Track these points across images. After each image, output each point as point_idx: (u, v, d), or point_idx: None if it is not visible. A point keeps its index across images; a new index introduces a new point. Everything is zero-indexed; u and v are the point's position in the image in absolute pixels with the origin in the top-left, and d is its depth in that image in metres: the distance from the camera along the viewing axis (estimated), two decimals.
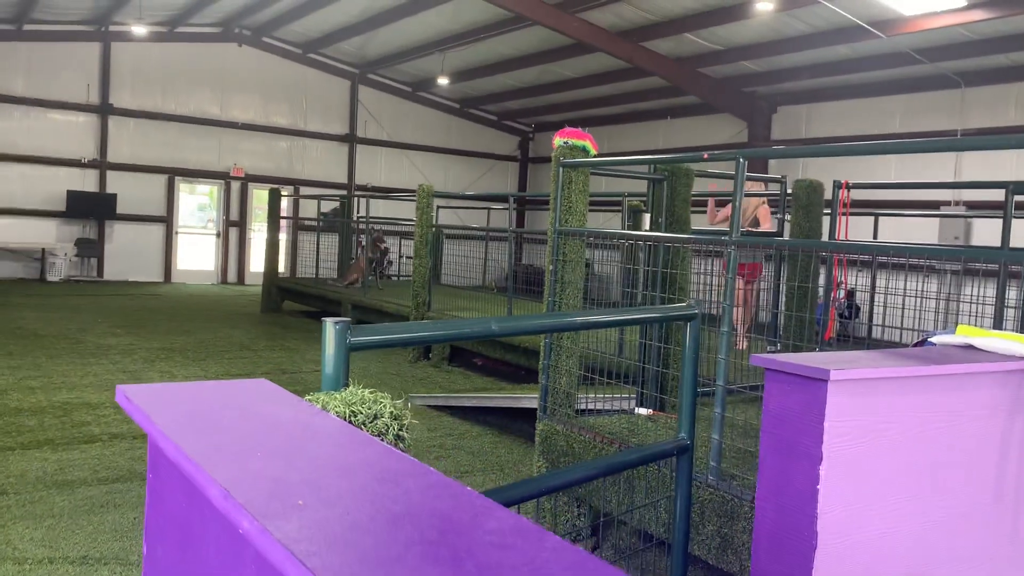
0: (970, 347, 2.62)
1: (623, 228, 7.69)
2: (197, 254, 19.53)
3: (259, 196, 19.55)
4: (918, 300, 6.01)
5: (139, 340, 10.50)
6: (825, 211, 6.16)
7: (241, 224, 19.71)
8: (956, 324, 5.37)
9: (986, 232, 13.09)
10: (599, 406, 5.19)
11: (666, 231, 5.18)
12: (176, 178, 18.90)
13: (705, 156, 3.83)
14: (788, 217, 6.10)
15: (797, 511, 2.13)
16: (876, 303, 6.98)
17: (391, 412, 1.39)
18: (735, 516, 3.69)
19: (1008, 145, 3.13)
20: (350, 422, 1.36)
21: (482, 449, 6.43)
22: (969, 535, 2.43)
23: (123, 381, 8.01)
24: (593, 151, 4.68)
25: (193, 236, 19.56)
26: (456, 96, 21.75)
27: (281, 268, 15.27)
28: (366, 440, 1.16)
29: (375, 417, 1.37)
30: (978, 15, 11.14)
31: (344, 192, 19.66)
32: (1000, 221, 5.17)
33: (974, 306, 5.89)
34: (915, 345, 2.77)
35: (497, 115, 22.94)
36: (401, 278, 16.64)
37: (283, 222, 15.37)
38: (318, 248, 14.94)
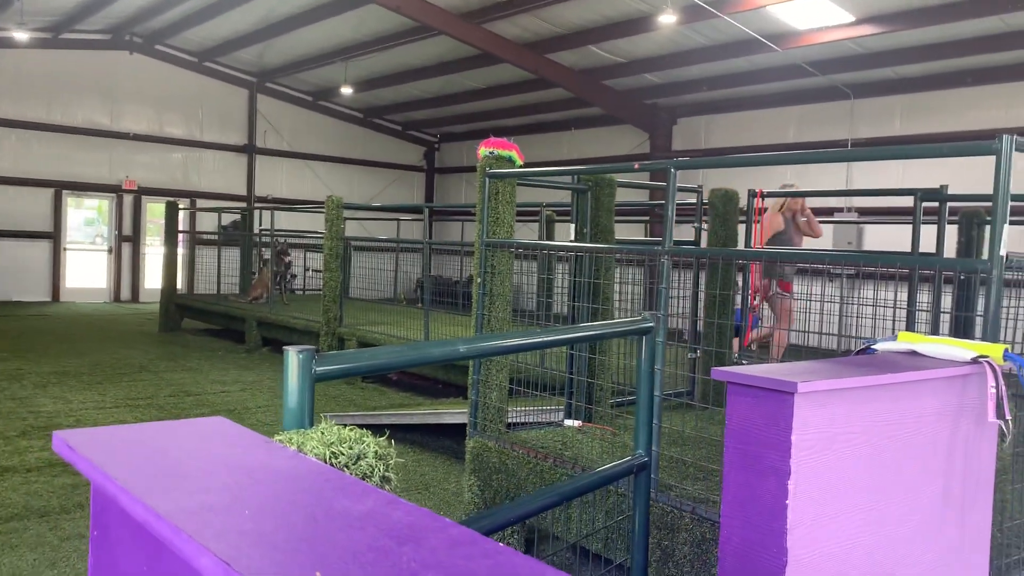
0: (913, 353, 2.65)
1: (540, 239, 7.66)
2: (87, 271, 18.53)
3: (153, 210, 18.73)
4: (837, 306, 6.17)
5: (28, 364, 9.84)
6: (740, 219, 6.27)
7: (135, 239, 18.83)
8: (885, 329, 5.52)
9: (875, 237, 13.71)
10: (528, 419, 5.11)
11: (590, 241, 5.15)
12: (63, 192, 17.90)
13: (636, 166, 3.81)
14: (706, 226, 6.18)
15: (765, 526, 2.09)
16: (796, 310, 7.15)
17: (375, 451, 1.26)
18: (675, 528, 3.66)
19: (918, 155, 3.22)
20: (331, 464, 1.22)
21: (405, 468, 6.25)
22: (924, 538, 2.46)
23: (12, 409, 7.47)
24: (519, 161, 4.61)
25: (82, 252, 18.55)
26: (360, 106, 21.42)
27: (179, 284, 14.63)
28: (362, 488, 1.04)
29: (358, 458, 1.24)
30: (866, 30, 11.68)
31: (244, 204, 19.06)
32: (886, 227, 5.35)
33: (892, 311, 6.07)
34: (858, 352, 2.79)
35: (402, 125, 22.71)
36: (307, 292, 16.23)
37: (180, 236, 14.76)
38: (219, 263, 14.40)
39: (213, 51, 18.67)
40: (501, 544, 0.86)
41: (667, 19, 11.89)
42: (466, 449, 4.74)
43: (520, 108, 18.90)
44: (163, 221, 14.49)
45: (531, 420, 5.11)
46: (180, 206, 14.67)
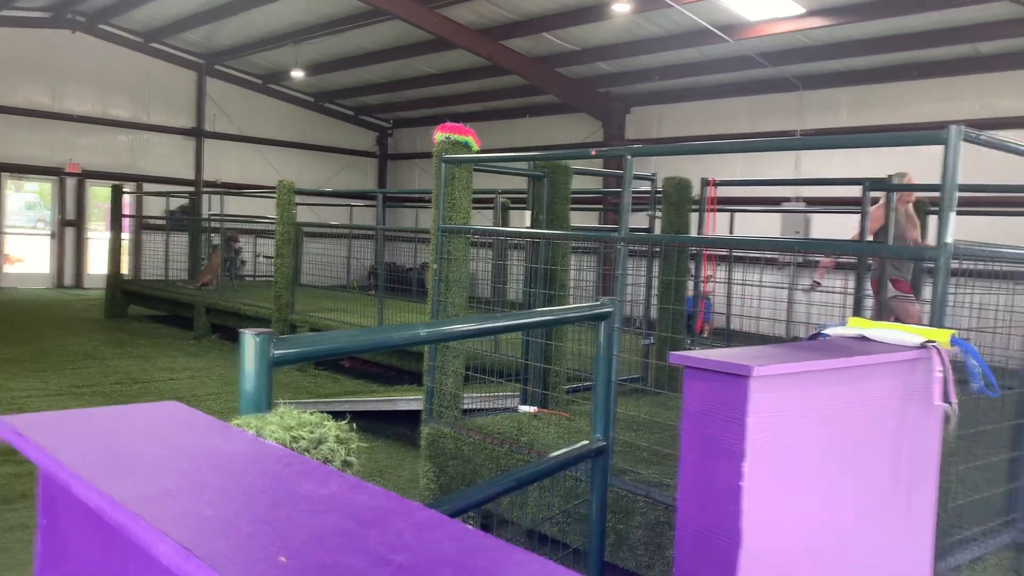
0: (863, 338, 2.70)
1: (495, 225, 7.65)
2: (29, 256, 18.00)
3: (98, 193, 18.26)
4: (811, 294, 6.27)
5: None
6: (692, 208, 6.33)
7: (78, 223, 18.33)
8: (833, 315, 5.62)
9: (822, 226, 13.98)
10: (483, 405, 5.12)
11: (547, 228, 5.15)
12: (3, 174, 17.34)
13: (593, 152, 3.82)
14: (659, 214, 6.23)
15: (721, 509, 2.11)
16: (746, 296, 7.25)
17: (336, 435, 1.24)
18: (630, 512, 3.69)
19: (868, 144, 3.28)
20: (292, 449, 1.20)
21: (363, 453, 6.20)
22: (873, 518, 2.51)
23: None
24: (476, 147, 4.58)
25: (23, 237, 18.01)
26: (311, 90, 21.11)
27: (126, 270, 14.29)
28: (324, 471, 1.02)
29: (319, 442, 1.22)
30: (815, 22, 11.86)
31: (193, 189, 18.67)
32: (835, 216, 5.44)
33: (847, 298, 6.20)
34: (810, 338, 2.84)
35: (354, 110, 22.45)
36: (257, 279, 15.99)
37: (126, 221, 14.40)
38: (167, 248, 14.10)
39: (160, 31, 18.21)
40: (469, 526, 0.85)
41: (621, 8, 11.93)
42: (421, 435, 4.72)
43: (474, 94, 18.82)
44: (108, 205, 14.13)
45: (486, 406, 5.11)
46: (126, 190, 14.32)
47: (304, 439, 1.22)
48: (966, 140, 2.81)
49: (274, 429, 1.21)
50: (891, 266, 5.95)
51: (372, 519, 0.87)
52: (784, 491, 2.20)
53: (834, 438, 2.35)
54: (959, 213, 2.88)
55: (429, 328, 1.75)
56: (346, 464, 1.25)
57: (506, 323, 2.23)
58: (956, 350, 2.67)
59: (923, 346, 2.58)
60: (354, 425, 1.33)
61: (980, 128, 3.01)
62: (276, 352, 1.42)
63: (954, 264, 2.87)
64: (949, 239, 2.81)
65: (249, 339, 1.41)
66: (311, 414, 1.30)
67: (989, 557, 3.32)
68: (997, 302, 3.90)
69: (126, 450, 1.09)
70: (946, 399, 2.61)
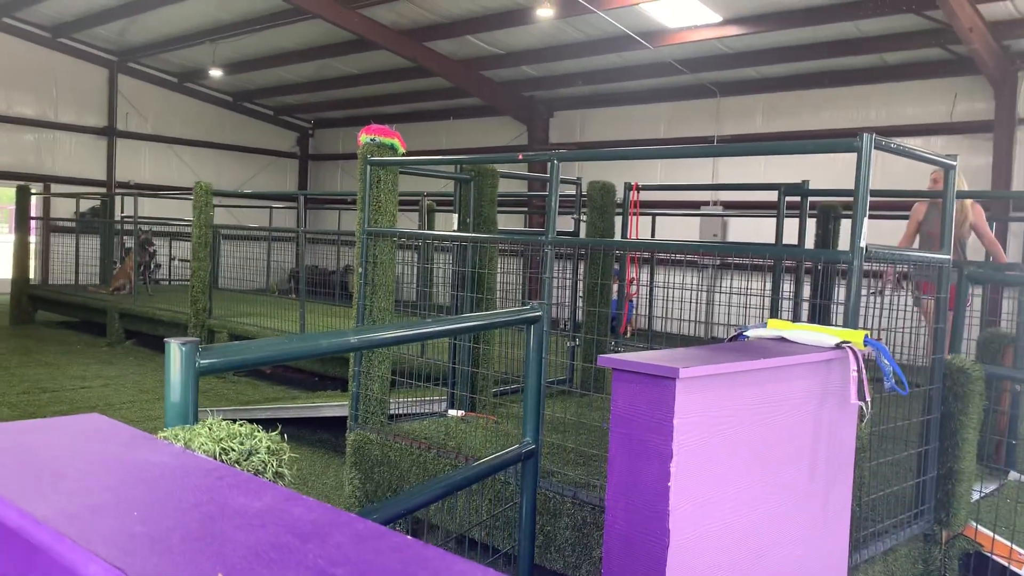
0: (782, 339, 2.79)
1: (421, 228, 7.61)
2: None
3: (2, 194, 17.44)
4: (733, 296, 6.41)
5: None
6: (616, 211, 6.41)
7: None
8: (750, 317, 5.77)
9: (738, 230, 14.37)
10: (410, 410, 5.08)
11: (474, 231, 5.15)
12: None
13: (520, 156, 3.84)
14: (584, 217, 6.30)
15: (649, 509, 2.15)
16: (665, 298, 7.40)
17: (268, 446, 1.22)
18: (557, 513, 3.72)
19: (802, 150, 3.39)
20: (221, 460, 1.17)
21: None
22: (793, 514, 2.59)
23: None
24: (401, 149, 4.55)
25: None
26: (229, 89, 20.62)
27: (33, 274, 13.71)
28: (257, 484, 1.00)
29: (250, 454, 1.19)
30: (732, 30, 12.18)
31: (104, 189, 18.01)
32: (752, 220, 5.60)
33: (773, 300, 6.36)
34: (731, 339, 2.91)
35: (274, 110, 22.02)
36: (172, 282, 15.53)
37: (33, 223, 13.80)
38: (77, 252, 13.57)
39: (69, 26, 17.50)
40: (410, 537, 0.85)
41: (544, 12, 12.01)
42: (346, 442, 4.66)
43: (398, 96, 18.68)
44: (13, 207, 13.51)
45: (414, 411, 5.08)
46: (32, 191, 13.72)
47: (234, 451, 1.19)
48: (877, 148, 2.93)
49: (203, 441, 1.18)
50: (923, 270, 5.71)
51: (309, 532, 0.86)
52: (710, 490, 2.26)
53: (756, 436, 2.42)
54: (871, 217, 3.00)
55: (359, 335, 1.73)
56: (278, 476, 1.23)
57: (438, 328, 2.22)
58: (869, 350, 2.78)
59: (839, 347, 2.68)
60: (285, 436, 1.31)
61: (888, 135, 3.14)
62: (203, 362, 1.39)
63: (865, 266, 2.99)
64: (862, 242, 2.92)
65: (175, 348, 1.38)
66: (240, 424, 1.27)
67: (900, 548, 3.47)
68: (906, 303, 4.07)
69: (47, 466, 1.05)
70: (861, 397, 2.71)
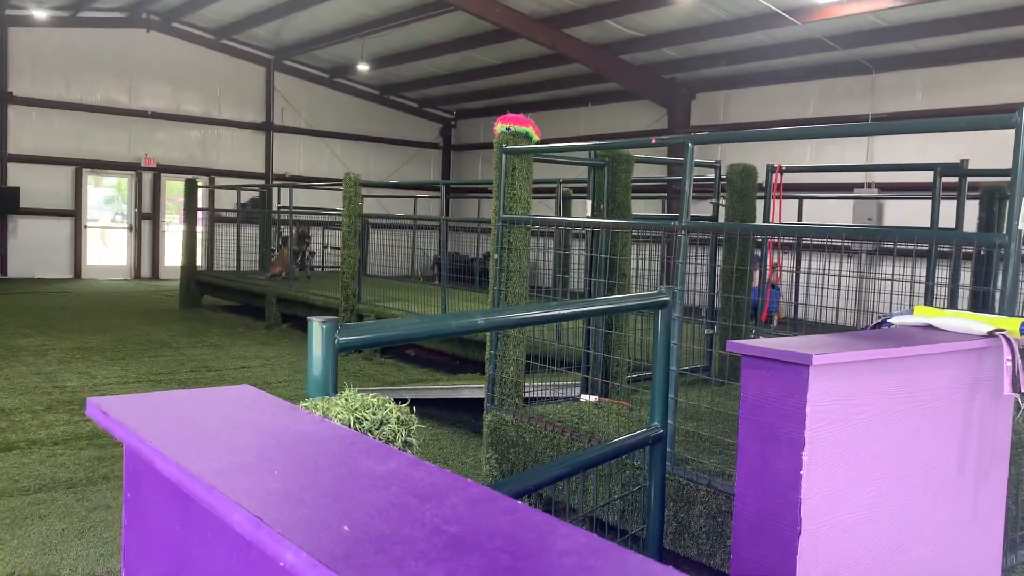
0: (929, 327, 2.66)
1: (557, 215, 7.67)
2: (108, 249, 18.73)
3: (172, 187, 18.86)
4: (849, 280, 6.15)
5: (51, 340, 9.99)
6: (758, 195, 6.24)
7: (154, 217, 18.98)
8: (904, 304, 5.51)
9: (896, 213, 13.61)
10: (544, 394, 5.16)
11: (607, 217, 5.16)
12: (84, 170, 18.06)
13: (653, 140, 3.81)
14: (723, 202, 6.17)
15: (780, 497, 2.12)
16: (814, 285, 7.14)
17: (397, 417, 1.30)
18: (691, 501, 3.70)
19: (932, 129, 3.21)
20: (355, 429, 1.26)
21: (424, 442, 6.32)
22: (938, 511, 2.48)
23: (37, 384, 7.60)
24: (536, 137, 4.61)
25: (103, 230, 18.74)
26: (376, 83, 21.40)
27: (199, 262, 14.77)
28: (385, 450, 1.07)
29: (381, 423, 1.28)
30: (887, 2, 11.52)
31: (262, 182, 19.14)
32: (908, 202, 5.30)
33: (911, 286, 6.06)
34: (874, 327, 2.80)
35: (418, 102, 22.68)
36: (325, 269, 16.32)
37: (199, 214, 14.85)
38: (239, 240, 14.50)
39: (230, 28, 18.69)
40: (519, 502, 0.90)
41: None
42: (484, 423, 4.79)
43: (537, 84, 18.82)
44: (182, 199, 14.59)
45: (548, 395, 5.15)
46: (199, 184, 14.76)
47: (367, 420, 1.28)
48: None
49: (339, 411, 1.27)
50: None
51: (429, 494, 0.92)
52: (844, 481, 2.19)
53: (897, 427, 2.33)
54: None
55: (486, 316, 1.80)
56: (407, 444, 1.31)
57: (561, 311, 2.27)
58: None
59: (991, 335, 2.53)
60: (414, 408, 1.38)
61: None
62: (341, 338, 1.49)
63: None
64: (1020, 225, 2.74)
65: (317, 326, 1.48)
66: (374, 397, 1.36)
67: None
68: None
69: (202, 429, 1.16)
70: (1016, 388, 2.55)
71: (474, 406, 6.68)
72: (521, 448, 4.51)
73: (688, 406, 4.72)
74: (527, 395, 4.99)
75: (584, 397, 5.03)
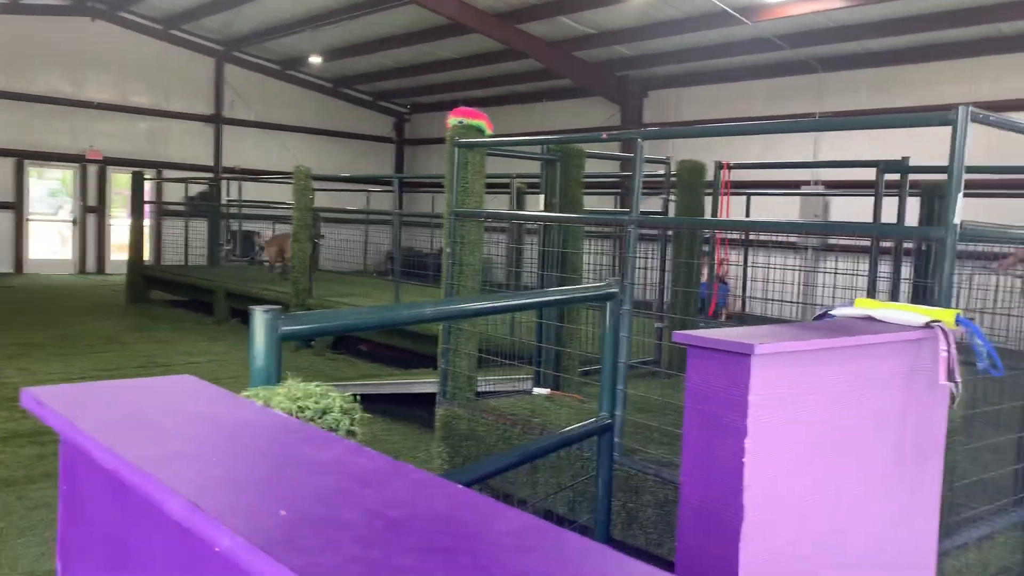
0: (869, 318, 2.72)
1: (511, 209, 7.68)
2: (52, 242, 18.25)
3: (118, 180, 18.44)
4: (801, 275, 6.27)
5: None
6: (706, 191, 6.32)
7: (100, 210, 18.54)
8: (829, 298, 5.63)
9: (840, 209, 13.89)
10: (497, 388, 5.17)
11: (559, 212, 5.19)
12: (25, 161, 17.56)
13: (604, 136, 3.84)
14: (673, 198, 6.24)
15: (723, 485, 2.15)
16: (762, 280, 7.26)
17: (341, 406, 1.30)
18: (640, 491, 3.74)
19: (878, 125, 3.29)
20: (298, 418, 1.25)
21: (376, 437, 6.29)
22: (877, 496, 2.54)
23: None
24: (488, 131, 4.62)
25: (46, 223, 18.25)
26: (329, 75, 21.17)
27: (147, 256, 14.48)
28: (327, 437, 1.07)
29: (324, 412, 1.27)
30: (835, 3, 11.75)
31: (211, 175, 18.82)
32: (854, 199, 5.42)
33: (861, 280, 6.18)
34: (816, 318, 2.86)
35: (372, 95, 22.49)
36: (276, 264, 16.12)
37: (147, 207, 14.56)
38: (186, 234, 14.25)
39: (178, 18, 18.32)
40: (460, 486, 0.90)
41: None
42: (436, 417, 4.79)
43: (491, 79, 18.80)
44: (129, 192, 14.29)
45: (500, 389, 5.16)
46: (146, 176, 14.47)
47: (310, 409, 1.27)
48: (974, 121, 2.82)
49: (281, 400, 1.27)
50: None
51: (370, 479, 0.92)
52: (787, 469, 2.24)
53: (838, 416, 2.38)
54: (973, 196, 2.89)
55: (435, 306, 1.80)
56: (350, 433, 1.31)
57: (509, 302, 2.28)
58: (962, 330, 2.69)
59: (928, 326, 2.60)
60: (358, 397, 1.38)
61: (1001, 110, 3.01)
62: (284, 328, 1.48)
63: (961, 246, 2.88)
64: (956, 220, 2.82)
65: (259, 316, 1.47)
66: (316, 386, 1.35)
67: (997, 536, 3.34)
68: (1005, 283, 3.89)
69: (141, 418, 1.15)
70: (951, 378, 2.63)
71: (427, 401, 6.66)
72: (473, 441, 4.52)
73: (638, 398, 4.76)
74: (480, 389, 5.00)
75: (536, 390, 5.06)
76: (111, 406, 1.20)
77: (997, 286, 3.92)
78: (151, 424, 1.11)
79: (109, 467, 1.00)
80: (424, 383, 6.34)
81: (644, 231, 6.42)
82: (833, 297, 5.62)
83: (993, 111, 2.90)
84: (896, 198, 6.03)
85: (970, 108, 2.78)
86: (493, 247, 7.56)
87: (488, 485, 4.47)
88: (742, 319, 7.25)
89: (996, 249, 4.66)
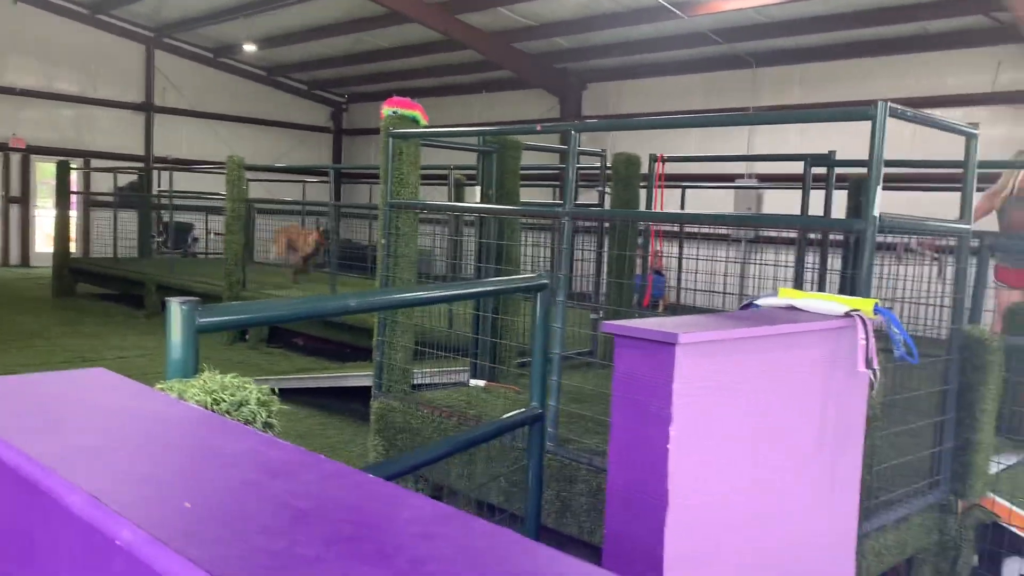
0: (792, 308, 2.80)
1: (450, 201, 7.66)
2: None
3: (44, 170, 17.83)
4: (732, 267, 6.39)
5: None
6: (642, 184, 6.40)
7: (24, 200, 17.91)
8: (761, 289, 5.76)
9: (774, 203, 14.19)
10: (433, 380, 5.16)
11: (495, 204, 5.19)
12: None
13: (539, 128, 3.86)
14: (608, 190, 6.30)
15: (648, 472, 2.19)
16: (697, 271, 7.36)
17: (258, 398, 1.28)
18: (573, 480, 3.79)
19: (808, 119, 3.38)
20: (213, 411, 1.24)
21: (310, 431, 6.23)
22: (798, 481, 2.62)
23: None
24: (423, 121, 4.59)
25: None
26: (264, 63, 20.78)
27: (73, 248, 14.03)
28: (240, 429, 1.06)
29: (240, 404, 1.26)
30: None
31: (141, 164, 18.32)
32: (788, 192, 5.55)
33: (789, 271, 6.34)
34: (741, 308, 2.92)
35: (308, 84, 22.16)
36: (209, 256, 15.80)
37: (73, 198, 14.10)
38: (115, 226, 13.85)
39: (106, 3, 17.76)
40: (371, 476, 0.90)
41: None
42: (371, 410, 4.76)
43: (431, 69, 18.68)
44: (55, 182, 13.83)
45: (437, 381, 5.16)
46: (73, 166, 14.02)
47: (225, 401, 1.26)
48: (892, 116, 2.91)
49: (196, 392, 1.25)
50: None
51: (281, 471, 0.92)
52: (711, 455, 2.29)
53: (761, 403, 2.44)
54: (896, 189, 2.99)
55: (359, 298, 1.79)
56: (267, 426, 1.29)
57: (437, 294, 2.28)
58: (880, 319, 2.78)
59: (847, 315, 2.68)
60: (275, 389, 1.37)
61: (928, 106, 3.12)
62: (201, 320, 1.45)
63: (881, 237, 2.98)
64: (875, 212, 2.91)
65: (175, 307, 1.44)
66: (232, 378, 1.34)
67: (914, 517, 3.47)
68: (921, 274, 4.04)
69: (50, 412, 1.12)
70: (869, 366, 2.72)
71: (364, 394, 6.62)
72: (408, 434, 4.51)
73: (573, 388, 4.81)
74: (416, 381, 4.99)
75: (473, 382, 5.06)
76: (19, 400, 1.17)
77: (915, 277, 4.06)
78: (60, 418, 1.09)
79: (11, 463, 0.97)
80: (359, 376, 6.30)
81: (580, 223, 6.48)
82: (764, 288, 5.75)
83: (919, 107, 3.00)
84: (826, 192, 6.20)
85: (888, 104, 2.87)
86: (434, 239, 7.53)
87: (424, 478, 4.46)
88: (676, 310, 7.35)
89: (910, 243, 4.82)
